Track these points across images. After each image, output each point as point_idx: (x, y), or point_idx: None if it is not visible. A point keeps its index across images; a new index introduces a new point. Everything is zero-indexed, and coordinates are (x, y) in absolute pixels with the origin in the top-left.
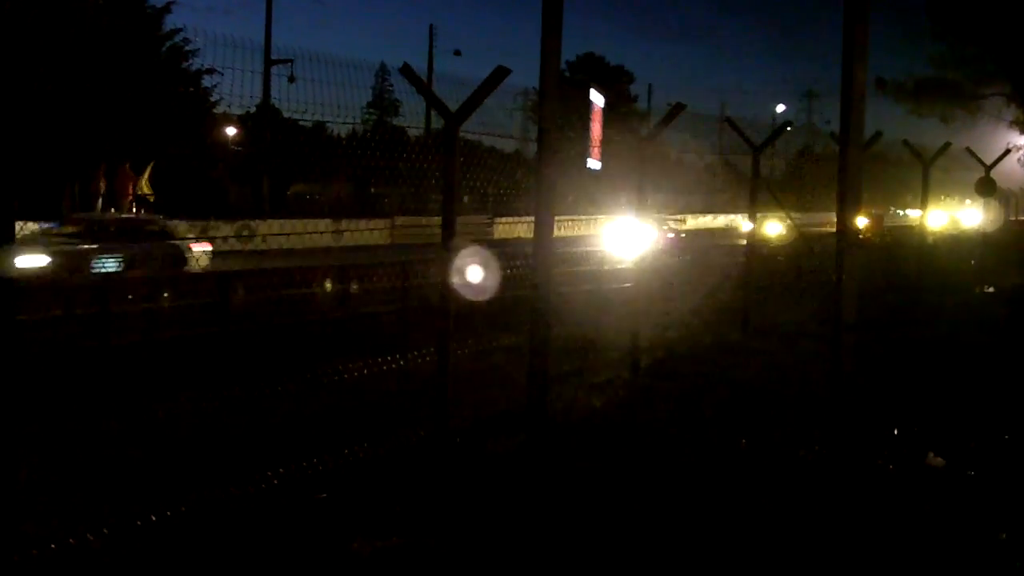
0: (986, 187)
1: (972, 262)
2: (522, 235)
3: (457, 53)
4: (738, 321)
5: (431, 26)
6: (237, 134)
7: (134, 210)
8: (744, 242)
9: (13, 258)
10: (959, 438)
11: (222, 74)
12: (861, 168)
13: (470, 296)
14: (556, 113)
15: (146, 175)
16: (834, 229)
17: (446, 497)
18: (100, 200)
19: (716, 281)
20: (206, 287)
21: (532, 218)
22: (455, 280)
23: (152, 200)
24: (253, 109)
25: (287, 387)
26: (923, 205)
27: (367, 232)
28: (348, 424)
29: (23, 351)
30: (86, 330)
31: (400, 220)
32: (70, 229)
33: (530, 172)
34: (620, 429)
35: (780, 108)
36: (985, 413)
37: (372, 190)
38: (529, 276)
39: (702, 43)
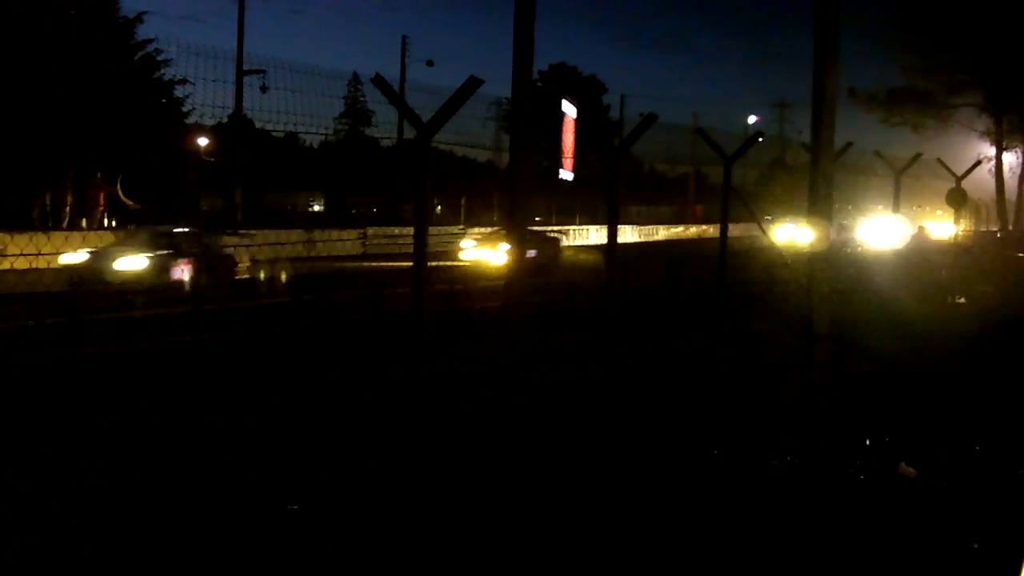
0: (957, 198)
1: None
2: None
3: (430, 63)
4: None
5: (403, 37)
6: (210, 144)
7: (106, 221)
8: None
9: None
10: (931, 447)
11: (194, 84)
12: (832, 177)
13: None
14: (527, 136)
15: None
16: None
17: None
18: (67, 210)
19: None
20: None
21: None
22: None
23: (133, 205)
24: (225, 119)
25: None
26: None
27: (339, 243)
28: None
29: None
30: None
31: (372, 231)
32: None
33: (503, 182)
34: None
35: (752, 119)
36: (957, 422)
37: (346, 200)
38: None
39: (675, 54)
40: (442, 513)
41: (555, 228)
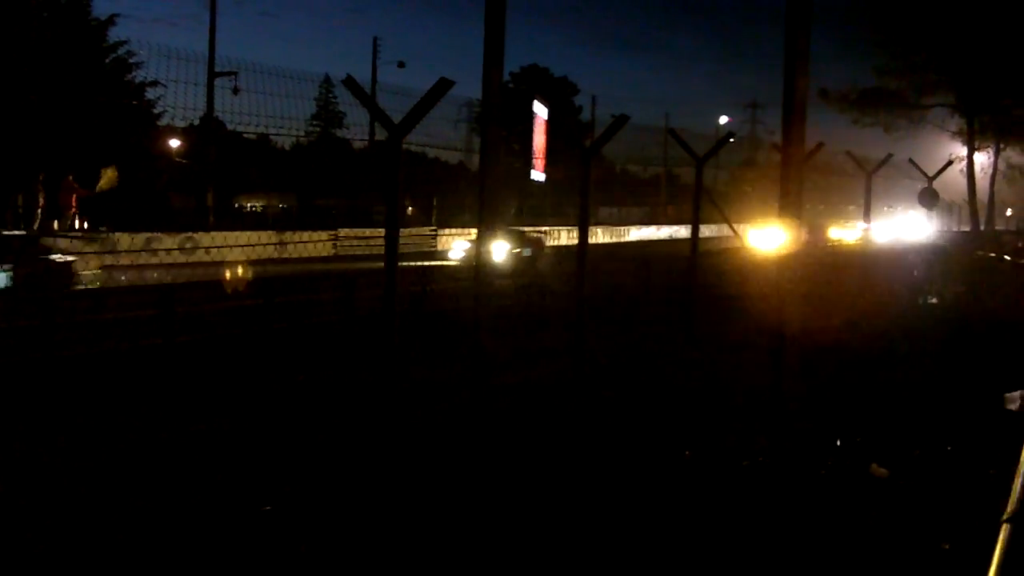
0: (929, 198)
1: None
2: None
3: (401, 65)
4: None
5: (375, 38)
6: (181, 146)
7: (77, 223)
8: None
9: None
10: (903, 448)
11: (166, 86)
12: (802, 177)
13: None
14: (499, 138)
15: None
16: None
17: None
18: (39, 212)
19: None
20: None
21: (476, 230)
22: None
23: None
24: (197, 121)
25: None
26: (866, 215)
27: (310, 244)
28: None
29: None
30: None
31: (343, 232)
32: None
33: (475, 183)
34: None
35: (723, 120)
36: (928, 423)
37: (317, 202)
38: None
39: (646, 55)
40: (418, 513)
41: (538, 228)
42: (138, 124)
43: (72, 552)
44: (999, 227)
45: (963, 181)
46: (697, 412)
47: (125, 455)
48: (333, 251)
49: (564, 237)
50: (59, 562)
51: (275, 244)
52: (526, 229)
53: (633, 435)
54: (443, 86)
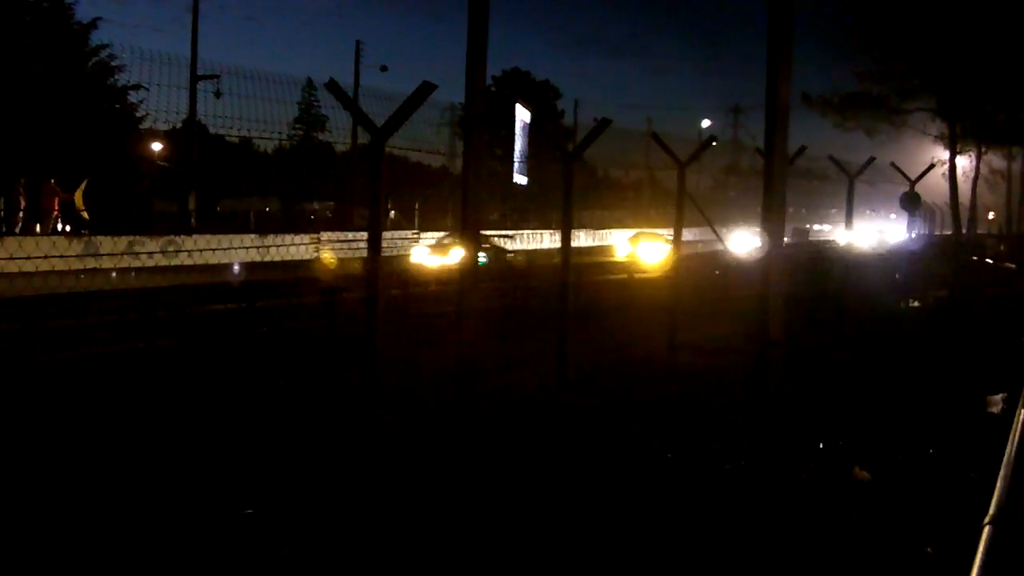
0: (911, 202)
1: None
2: None
3: (384, 69)
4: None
5: (358, 42)
6: (164, 150)
7: (59, 227)
8: None
9: None
10: (885, 452)
11: (148, 90)
12: (785, 182)
13: None
14: (481, 142)
15: (80, 191)
16: None
17: None
18: (21, 215)
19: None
20: None
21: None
22: None
23: (87, 218)
24: (179, 125)
25: None
26: (848, 220)
27: (293, 248)
28: None
29: None
30: None
31: (326, 235)
32: None
33: (457, 187)
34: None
35: (706, 123)
36: (910, 426)
37: (299, 206)
38: None
39: (629, 59)
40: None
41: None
42: (120, 127)
43: (51, 555)
44: (981, 231)
45: (945, 185)
46: (679, 417)
47: (104, 459)
48: (316, 255)
49: (547, 240)
50: (38, 564)
51: (257, 248)
52: None
53: (616, 440)
54: (425, 90)
